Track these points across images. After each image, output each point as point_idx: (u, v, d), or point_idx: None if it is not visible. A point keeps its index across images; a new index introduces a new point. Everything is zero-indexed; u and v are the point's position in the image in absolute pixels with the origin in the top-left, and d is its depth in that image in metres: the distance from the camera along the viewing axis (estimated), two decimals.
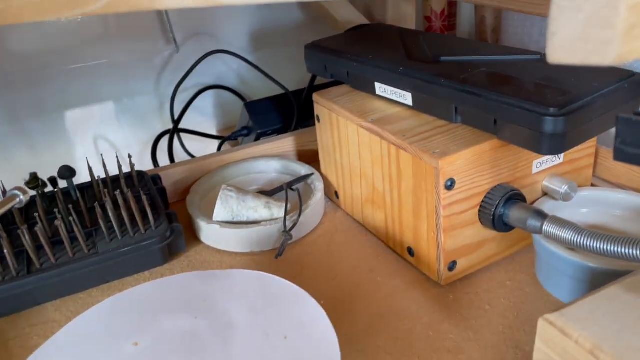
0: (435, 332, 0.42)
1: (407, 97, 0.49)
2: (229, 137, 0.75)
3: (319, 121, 0.58)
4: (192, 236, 0.57)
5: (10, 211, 0.51)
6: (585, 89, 0.40)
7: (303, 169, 0.63)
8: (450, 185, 0.42)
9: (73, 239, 0.50)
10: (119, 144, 0.81)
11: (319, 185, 0.59)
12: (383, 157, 0.48)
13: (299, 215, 0.54)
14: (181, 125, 0.79)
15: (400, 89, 0.50)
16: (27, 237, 0.47)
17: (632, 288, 0.33)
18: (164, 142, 0.79)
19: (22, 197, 0.43)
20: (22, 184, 0.49)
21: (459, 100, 0.44)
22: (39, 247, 0.48)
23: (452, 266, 0.46)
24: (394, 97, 0.51)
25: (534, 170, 0.46)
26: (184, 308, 0.38)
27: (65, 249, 0.49)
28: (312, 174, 0.61)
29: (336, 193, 0.60)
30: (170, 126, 0.78)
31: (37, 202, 0.52)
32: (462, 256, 0.46)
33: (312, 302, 0.37)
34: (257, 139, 0.72)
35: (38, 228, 0.47)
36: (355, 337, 0.42)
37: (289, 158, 0.66)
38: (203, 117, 0.86)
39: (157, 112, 0.83)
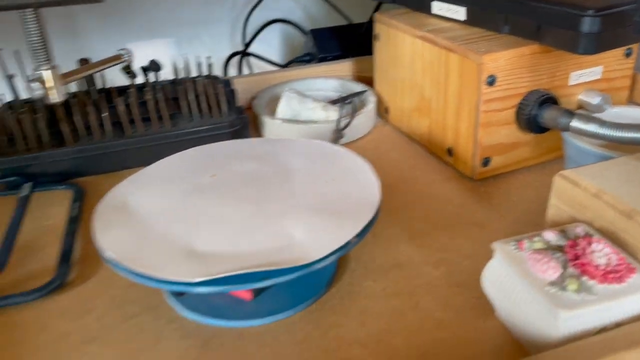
0: (464, 211, 0.48)
1: (460, 12, 0.54)
2: (291, 61, 0.82)
3: (377, 40, 0.64)
4: (256, 134, 0.64)
5: (109, 90, 0.60)
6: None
7: (358, 87, 0.69)
8: (491, 81, 0.47)
9: (159, 118, 0.58)
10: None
11: (371, 99, 0.65)
12: (433, 63, 0.53)
13: (352, 118, 0.60)
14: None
15: (455, 4, 0.55)
16: (122, 107, 0.55)
17: None
18: (233, 67, 0.87)
19: (127, 55, 0.51)
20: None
21: (507, 9, 0.49)
22: (131, 121, 0.57)
23: (486, 162, 0.51)
24: (448, 14, 0.56)
25: (571, 81, 0.51)
26: (252, 157, 0.45)
27: (152, 125, 0.57)
28: (366, 90, 0.67)
29: (386, 109, 0.66)
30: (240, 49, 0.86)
31: (131, 86, 0.60)
32: (496, 154, 0.51)
33: (360, 159, 0.43)
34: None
35: (130, 102, 0.55)
36: (393, 210, 0.49)
37: (346, 79, 0.73)
38: (269, 49, 0.93)
39: (229, 39, 0.91)
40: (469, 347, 0.34)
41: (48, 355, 0.35)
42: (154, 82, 0.63)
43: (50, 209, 0.50)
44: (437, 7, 0.57)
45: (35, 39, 0.39)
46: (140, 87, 0.63)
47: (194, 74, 0.65)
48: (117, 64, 0.51)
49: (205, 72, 0.65)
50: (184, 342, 0.35)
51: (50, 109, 0.56)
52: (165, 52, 0.87)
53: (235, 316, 0.37)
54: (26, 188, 0.50)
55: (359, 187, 0.40)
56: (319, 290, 0.39)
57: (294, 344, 0.35)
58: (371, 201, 0.38)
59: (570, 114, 0.45)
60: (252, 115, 0.66)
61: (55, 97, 0.42)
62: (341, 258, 0.42)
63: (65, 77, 0.41)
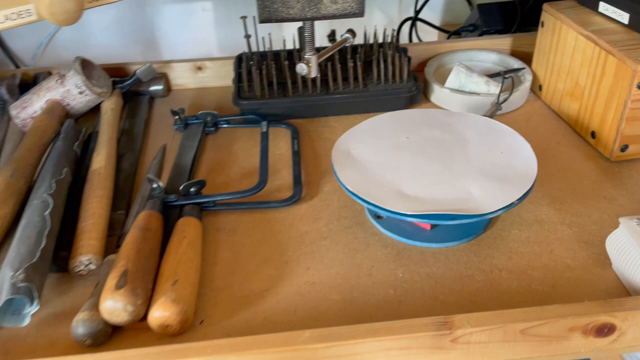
0: (598, 187, 0.60)
1: (624, 17, 0.63)
2: (456, 31, 0.93)
3: (542, 26, 0.74)
4: (423, 99, 0.79)
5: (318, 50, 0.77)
6: None
7: (516, 64, 0.80)
8: None
9: (354, 79, 0.74)
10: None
11: (528, 77, 0.76)
12: (592, 60, 0.63)
13: (510, 94, 0.72)
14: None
15: (620, 9, 0.63)
16: (329, 70, 0.72)
17: None
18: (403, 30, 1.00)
19: (351, 38, 0.68)
20: None
21: None
22: (334, 79, 0.74)
23: (624, 148, 0.62)
24: (613, 16, 0.65)
25: None
26: (435, 126, 0.60)
27: (349, 84, 0.74)
28: (524, 67, 0.78)
29: (540, 86, 0.76)
30: (407, 15, 0.99)
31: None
32: (634, 142, 0.61)
33: (521, 138, 0.57)
34: (480, 35, 0.89)
35: (337, 67, 0.72)
36: (538, 177, 0.61)
37: (505, 54, 0.83)
38: (431, 14, 1.05)
39: (397, 3, 1.03)
40: (588, 286, 0.48)
41: (298, 243, 0.54)
42: (354, 46, 0.79)
43: (278, 142, 0.70)
44: (603, 7, 0.66)
45: (308, 35, 0.56)
46: (340, 50, 0.79)
47: (370, 40, 0.79)
48: (345, 44, 0.68)
49: (381, 38, 0.79)
50: (384, 250, 0.53)
51: (277, 65, 0.74)
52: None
53: (419, 239, 0.54)
54: (264, 125, 0.70)
55: (521, 161, 0.54)
56: (478, 231, 0.54)
57: (459, 263, 0.51)
58: (530, 174, 0.52)
59: None
60: (421, 78, 0.80)
61: (313, 73, 0.59)
62: None
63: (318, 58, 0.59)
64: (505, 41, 0.85)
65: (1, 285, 0.42)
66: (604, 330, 0.41)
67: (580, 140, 0.68)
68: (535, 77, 0.77)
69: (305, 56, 0.58)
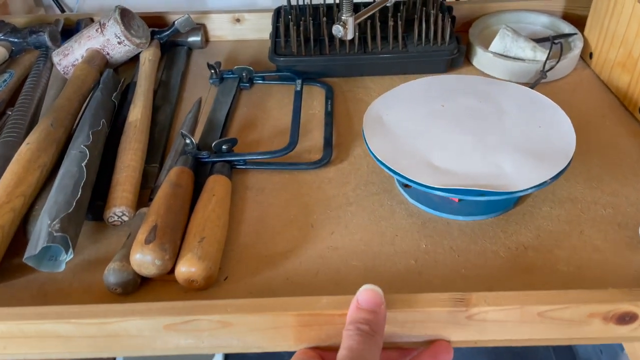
0: None
1: None
2: None
3: None
4: (465, 61, 0.76)
5: (358, 7, 0.75)
6: None
7: (567, 28, 0.75)
8: None
9: (394, 38, 0.72)
10: None
11: (578, 44, 0.72)
12: None
13: (557, 62, 0.69)
14: None
15: None
16: (368, 28, 0.70)
17: None
18: None
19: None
20: None
21: None
22: (373, 37, 0.72)
23: None
24: None
25: None
26: (473, 94, 0.58)
27: (388, 44, 0.72)
28: (575, 33, 0.74)
29: (590, 54, 0.72)
30: None
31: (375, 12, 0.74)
32: None
33: (562, 112, 0.55)
34: None
35: (377, 26, 0.70)
36: (577, 152, 0.58)
37: (556, 17, 0.79)
38: None
39: None
40: (616, 270, 0.47)
41: (324, 207, 0.55)
42: (396, 2, 0.76)
43: (312, 102, 0.69)
44: None
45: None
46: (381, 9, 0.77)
47: None
48: (386, 4, 0.65)
49: None
50: (409, 219, 0.53)
51: (316, 21, 0.73)
52: None
53: (445, 210, 0.53)
54: (299, 84, 0.69)
55: (560, 136, 0.52)
56: (508, 207, 0.53)
57: (485, 238, 0.51)
58: (567, 151, 0.50)
59: None
60: (464, 39, 0.76)
61: (349, 36, 0.58)
62: None
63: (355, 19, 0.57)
64: (558, 2, 0.80)
65: (39, 232, 0.45)
66: (626, 318, 0.40)
67: (628, 115, 0.64)
68: (586, 44, 0.73)
69: (342, 17, 0.57)
